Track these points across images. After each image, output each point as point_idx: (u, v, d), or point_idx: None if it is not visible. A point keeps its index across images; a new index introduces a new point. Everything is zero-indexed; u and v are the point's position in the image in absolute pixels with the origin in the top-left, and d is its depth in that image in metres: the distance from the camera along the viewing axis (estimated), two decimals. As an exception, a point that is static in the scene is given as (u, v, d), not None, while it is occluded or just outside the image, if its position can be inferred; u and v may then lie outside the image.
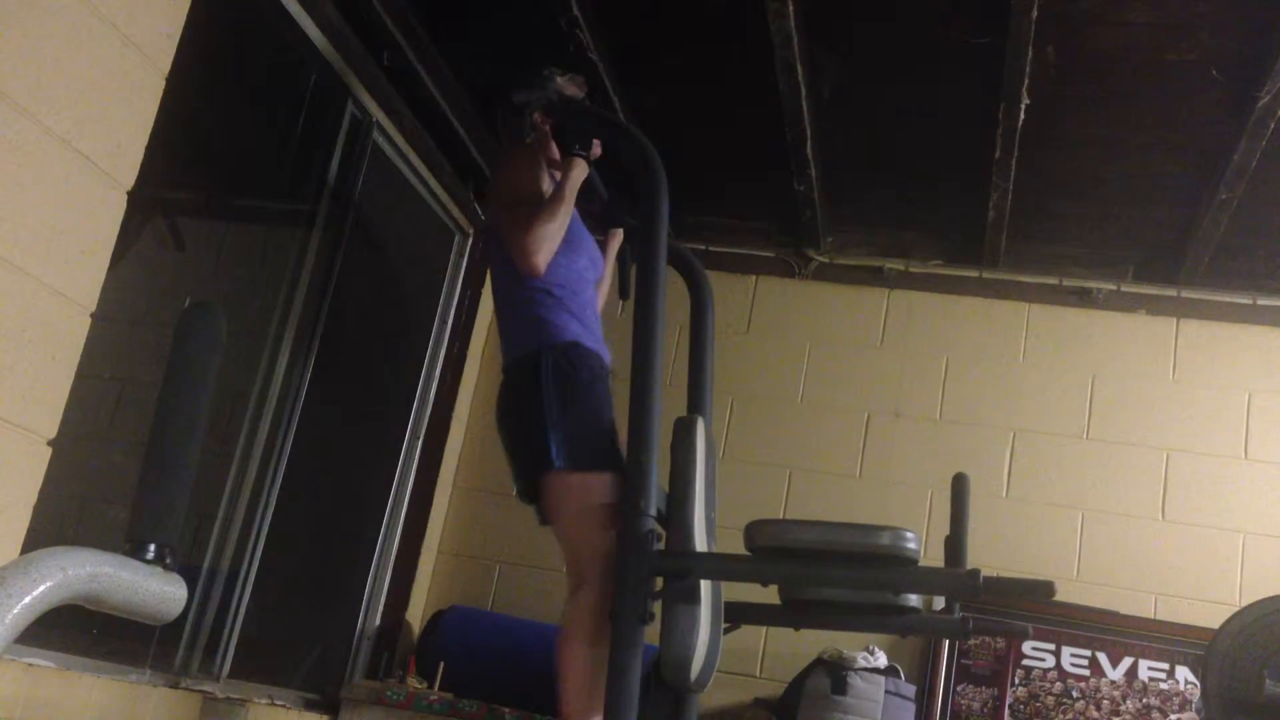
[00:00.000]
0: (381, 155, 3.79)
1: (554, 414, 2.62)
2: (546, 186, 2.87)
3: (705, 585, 2.43)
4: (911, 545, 2.31)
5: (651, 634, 2.28)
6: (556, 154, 2.96)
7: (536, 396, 2.65)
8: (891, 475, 4.22)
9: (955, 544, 2.70)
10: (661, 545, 2.36)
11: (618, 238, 3.16)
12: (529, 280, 2.77)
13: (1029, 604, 3.88)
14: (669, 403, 2.52)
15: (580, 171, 2.84)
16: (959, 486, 2.78)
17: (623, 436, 2.47)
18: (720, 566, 2.49)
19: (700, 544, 2.44)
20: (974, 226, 4.12)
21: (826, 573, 2.41)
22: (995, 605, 3.89)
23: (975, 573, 2.20)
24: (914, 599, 2.70)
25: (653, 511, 2.33)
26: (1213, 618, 3.41)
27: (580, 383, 2.69)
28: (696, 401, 3.04)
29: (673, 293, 2.76)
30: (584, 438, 2.63)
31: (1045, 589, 2.17)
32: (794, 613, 2.81)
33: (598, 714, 2.48)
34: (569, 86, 2.99)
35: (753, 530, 2.42)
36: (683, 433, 2.45)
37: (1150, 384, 4.20)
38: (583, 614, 2.57)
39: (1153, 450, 4.12)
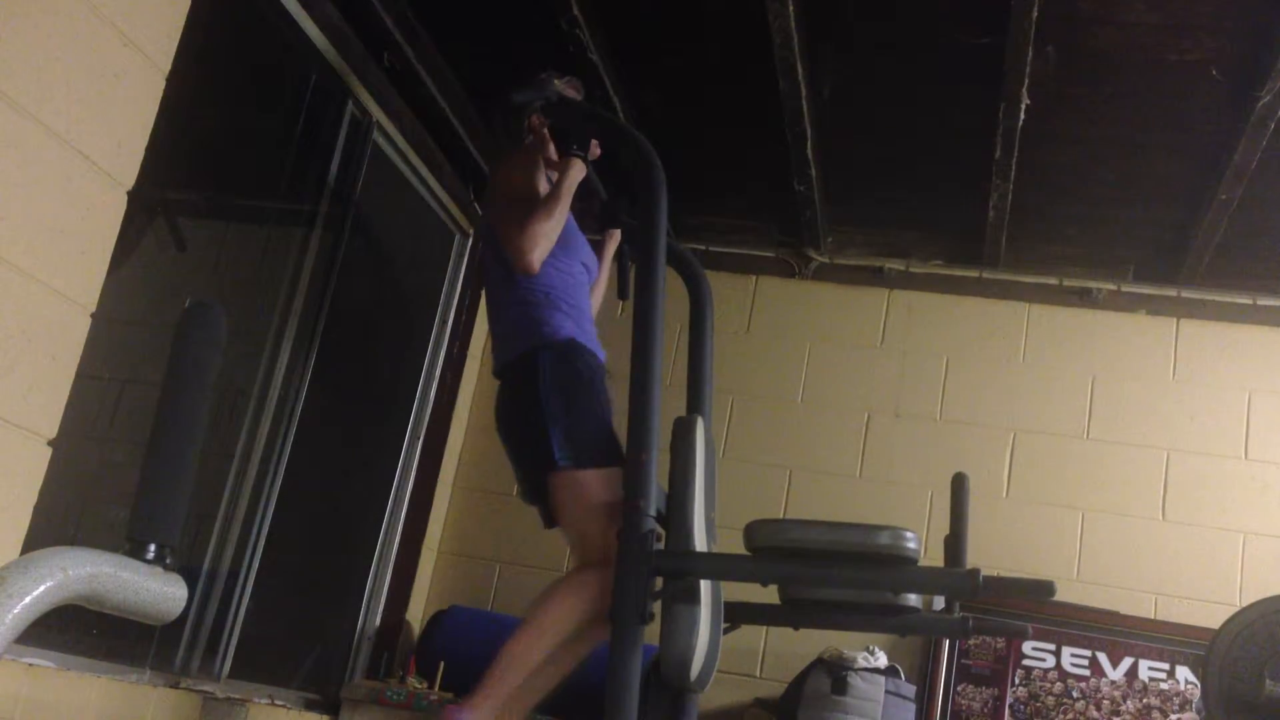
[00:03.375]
0: (381, 155, 3.79)
1: (554, 412, 2.61)
2: (544, 187, 2.86)
3: (705, 585, 2.42)
4: (911, 545, 2.31)
5: (651, 634, 2.27)
6: (555, 155, 2.96)
7: (535, 396, 2.63)
8: (891, 475, 4.22)
9: (955, 544, 2.70)
10: (661, 545, 2.36)
11: (615, 238, 3.16)
12: (523, 281, 2.75)
13: (1029, 604, 3.88)
14: (669, 403, 2.52)
15: (577, 171, 2.83)
16: (959, 486, 2.77)
17: (622, 437, 2.47)
18: (720, 566, 2.49)
19: (700, 544, 2.43)
20: (974, 226, 4.12)
21: (826, 572, 2.40)
22: (995, 605, 3.89)
23: (975, 572, 2.20)
24: (914, 599, 2.70)
25: (653, 511, 2.33)
26: (1213, 618, 3.41)
27: (579, 379, 2.68)
28: (696, 401, 3.03)
29: (672, 293, 2.75)
30: (586, 434, 2.62)
31: (1045, 589, 2.17)
32: (794, 612, 2.81)
33: (499, 699, 2.48)
34: (566, 89, 2.98)
35: (752, 530, 2.41)
36: (682, 433, 2.44)
37: (1150, 384, 4.20)
38: (579, 584, 2.57)
39: (1153, 450, 4.12)
